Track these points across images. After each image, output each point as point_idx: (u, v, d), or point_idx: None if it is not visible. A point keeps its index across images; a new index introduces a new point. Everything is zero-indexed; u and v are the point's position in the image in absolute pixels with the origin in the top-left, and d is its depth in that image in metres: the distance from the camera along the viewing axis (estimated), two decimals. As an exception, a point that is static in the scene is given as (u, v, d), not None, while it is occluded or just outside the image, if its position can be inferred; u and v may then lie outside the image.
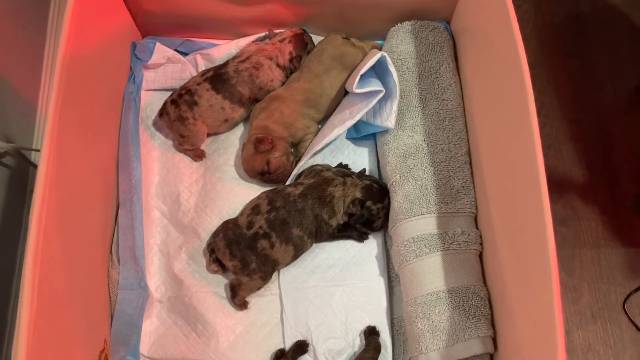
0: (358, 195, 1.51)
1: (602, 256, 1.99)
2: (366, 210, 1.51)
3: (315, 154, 1.59)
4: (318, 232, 1.53)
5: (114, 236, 1.56)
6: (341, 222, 1.53)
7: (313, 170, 1.58)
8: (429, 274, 1.40)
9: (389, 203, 1.54)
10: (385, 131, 1.58)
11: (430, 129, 1.55)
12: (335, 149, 1.68)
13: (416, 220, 1.46)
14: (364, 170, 1.63)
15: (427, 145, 1.53)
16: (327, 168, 1.59)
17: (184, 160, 1.69)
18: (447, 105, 1.57)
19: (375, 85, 1.52)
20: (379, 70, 1.56)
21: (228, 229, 1.51)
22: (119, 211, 1.57)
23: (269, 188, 1.61)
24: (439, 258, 1.42)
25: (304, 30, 1.70)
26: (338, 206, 1.52)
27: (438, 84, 1.59)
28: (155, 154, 1.69)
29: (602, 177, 2.06)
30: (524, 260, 1.18)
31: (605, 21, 2.30)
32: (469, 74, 1.57)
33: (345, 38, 1.67)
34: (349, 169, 1.65)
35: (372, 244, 1.58)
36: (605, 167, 2.07)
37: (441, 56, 1.62)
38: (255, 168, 1.58)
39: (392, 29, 1.68)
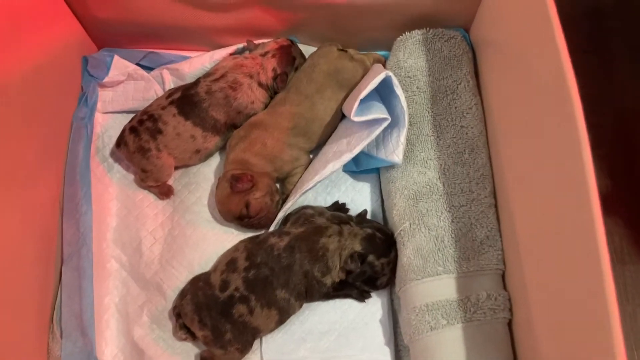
0: (358, 248, 1.22)
1: (627, 274, 1.71)
2: (368, 266, 1.22)
3: (305, 192, 1.30)
4: (309, 292, 1.24)
5: (55, 301, 1.26)
6: (337, 280, 1.25)
7: (302, 215, 1.29)
8: (448, 352, 1.12)
9: (396, 256, 1.25)
10: (391, 166, 1.29)
11: (446, 163, 1.26)
12: (330, 183, 1.39)
13: (430, 282, 1.17)
14: (365, 212, 1.34)
15: (443, 185, 1.24)
16: (320, 212, 1.29)
17: (147, 198, 1.40)
18: (466, 133, 1.28)
19: (378, 111, 1.22)
20: (384, 91, 1.27)
21: (198, 288, 1.23)
22: (63, 268, 1.28)
23: (249, 234, 1.32)
24: (459, 331, 1.13)
25: (291, 41, 1.40)
26: (333, 261, 1.23)
27: (456, 107, 1.30)
28: (113, 191, 1.41)
29: (626, 186, 1.77)
30: (572, 336, 0.89)
31: (628, 14, 1.99)
32: (494, 95, 1.27)
33: (342, 50, 1.38)
34: (347, 209, 1.36)
35: (375, 305, 1.29)
36: (629, 175, 1.78)
37: (459, 72, 1.33)
38: (232, 211, 1.29)
39: (398, 39, 1.39)
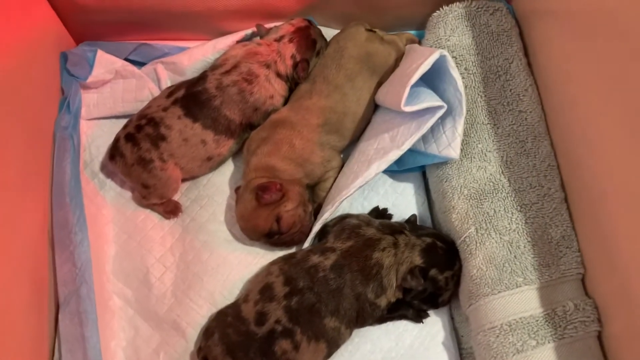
0: (418, 261, 1.03)
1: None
2: (430, 282, 1.03)
3: (344, 200, 1.10)
4: (360, 318, 1.05)
5: (53, 356, 1.03)
6: (393, 299, 1.05)
7: (346, 227, 1.08)
8: (541, 379, 0.94)
9: (460, 268, 1.06)
10: (443, 162, 1.10)
11: (508, 155, 1.08)
12: (367, 187, 1.19)
13: (510, 296, 0.99)
14: (415, 218, 1.15)
15: (509, 180, 1.06)
16: (367, 221, 1.09)
17: (150, 218, 1.18)
18: (525, 119, 1.11)
19: (430, 99, 1.03)
20: (428, 75, 1.07)
21: (227, 325, 1.02)
22: (60, 315, 1.04)
23: (279, 253, 1.12)
24: (550, 352, 0.96)
25: (309, 21, 1.19)
26: (389, 279, 1.03)
27: (511, 90, 1.12)
28: (108, 213, 1.18)
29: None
30: None
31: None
32: (557, 72, 1.09)
33: (370, 30, 1.18)
34: (390, 215, 1.17)
35: (435, 325, 1.11)
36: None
37: (510, 49, 1.15)
38: (259, 228, 1.08)
39: (434, 14, 1.20)
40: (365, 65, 1.15)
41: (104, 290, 1.11)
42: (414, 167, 1.18)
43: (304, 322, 1.00)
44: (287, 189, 1.08)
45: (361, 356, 1.09)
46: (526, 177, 1.06)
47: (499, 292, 0.99)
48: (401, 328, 1.10)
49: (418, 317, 1.10)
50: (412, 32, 1.27)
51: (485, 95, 1.12)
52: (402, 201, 1.19)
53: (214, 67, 1.15)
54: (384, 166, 1.07)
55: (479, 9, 1.17)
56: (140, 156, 1.10)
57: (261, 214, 1.07)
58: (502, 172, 1.07)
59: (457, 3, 1.18)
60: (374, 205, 1.18)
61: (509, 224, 1.03)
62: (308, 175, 1.13)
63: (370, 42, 1.16)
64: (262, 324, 1.00)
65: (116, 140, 1.13)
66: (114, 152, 1.13)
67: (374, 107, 1.17)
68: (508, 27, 1.17)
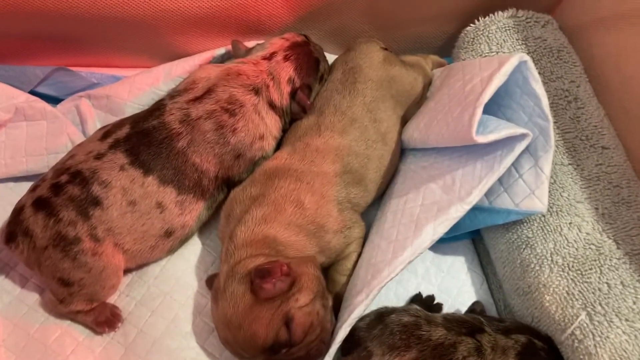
0: (515, 374, 0.66)
1: None
2: (535, 404, 0.66)
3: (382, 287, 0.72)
4: None
5: None
6: None
7: (397, 328, 0.70)
8: None
9: (570, 378, 0.70)
10: (517, 222, 0.77)
11: (604, 206, 0.76)
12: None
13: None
14: (482, 307, 0.79)
15: (615, 241, 0.74)
16: (425, 317, 0.72)
17: (71, 335, 0.75)
18: (612, 158, 0.81)
19: (507, 126, 0.71)
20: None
21: None
22: None
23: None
24: None
25: (305, 37, 0.85)
26: (474, 407, 0.65)
27: (586, 121, 0.84)
28: (0, 331, 0.72)
29: None
30: None
31: None
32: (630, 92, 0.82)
33: (384, 49, 0.86)
34: (439, 305, 0.80)
35: None
36: None
37: (574, 71, 0.88)
38: (259, 339, 0.67)
39: (469, 28, 0.91)
40: (388, 93, 0.82)
41: None
42: (461, 234, 0.83)
43: None
44: (297, 272, 0.69)
45: None
46: (636, 235, 0.75)
47: (649, 411, 0.64)
48: None
49: None
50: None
51: (557, 128, 0.82)
52: (452, 283, 0.83)
53: (174, 93, 0.77)
54: (443, 229, 0.71)
55: (529, 20, 0.89)
56: (59, 233, 0.69)
57: (261, 315, 0.67)
58: (603, 230, 0.75)
59: (499, 12, 0.89)
60: (412, 292, 0.81)
61: (634, 303, 0.70)
62: (323, 251, 0.75)
63: (390, 64, 0.84)
64: None
65: (17, 211, 0.71)
66: (14, 229, 0.70)
67: (400, 148, 0.84)
68: (565, 44, 0.89)
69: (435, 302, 0.80)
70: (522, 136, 0.71)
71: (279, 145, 0.82)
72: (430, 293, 0.81)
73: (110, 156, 0.72)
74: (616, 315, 0.70)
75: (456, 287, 0.82)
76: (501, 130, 0.69)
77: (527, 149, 0.75)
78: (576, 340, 0.70)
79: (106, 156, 0.72)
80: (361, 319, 0.74)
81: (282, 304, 0.68)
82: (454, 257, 0.85)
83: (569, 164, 0.80)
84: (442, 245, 0.85)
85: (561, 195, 0.78)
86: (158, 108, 0.75)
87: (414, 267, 0.83)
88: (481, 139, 0.68)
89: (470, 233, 0.86)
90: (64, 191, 0.70)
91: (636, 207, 0.78)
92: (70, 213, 0.69)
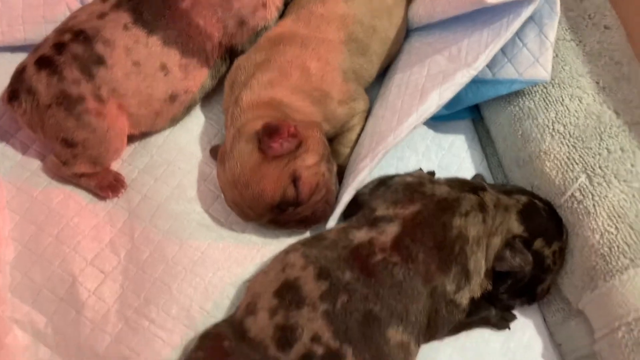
0: (516, 228, 0.68)
1: None
2: (535, 258, 0.68)
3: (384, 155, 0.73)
4: (431, 327, 0.66)
5: None
6: (478, 294, 0.69)
7: (400, 186, 0.71)
8: None
9: (568, 239, 0.72)
10: (518, 94, 0.78)
11: (605, 80, 0.77)
12: (401, 143, 0.81)
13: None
14: (482, 178, 0.80)
15: (615, 112, 0.75)
16: (429, 178, 0.73)
17: (75, 198, 0.75)
18: (613, 37, 0.82)
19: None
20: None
21: (223, 354, 0.60)
22: None
23: (287, 241, 0.73)
24: None
25: None
26: (476, 260, 0.67)
27: (589, 0, 0.83)
28: (4, 194, 0.72)
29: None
30: None
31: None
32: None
33: None
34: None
35: (525, 331, 0.76)
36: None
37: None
38: (267, 196, 0.68)
39: None
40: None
41: (-2, 319, 0.65)
42: (461, 113, 0.84)
43: (357, 338, 0.61)
44: (304, 134, 0.69)
45: (429, 389, 0.70)
46: (636, 107, 0.76)
47: (644, 263, 0.66)
48: (478, 340, 0.73)
49: (503, 320, 0.74)
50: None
51: (561, 6, 0.82)
52: (452, 160, 0.84)
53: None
54: (449, 94, 0.72)
55: None
56: (63, 91, 0.68)
57: (268, 173, 0.67)
58: (604, 101, 0.76)
59: None
60: (412, 169, 0.82)
61: (632, 166, 0.71)
62: (328, 120, 0.75)
63: None
64: (290, 345, 0.60)
65: (20, 71, 0.70)
66: (17, 87, 0.70)
67: (406, 22, 0.84)
68: None
69: (436, 177, 0.82)
70: (529, 0, 0.71)
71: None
72: (430, 170, 0.82)
73: (113, 15, 0.70)
74: (615, 177, 0.71)
75: (456, 164, 0.83)
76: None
77: (532, 17, 0.75)
78: (575, 202, 0.72)
79: (109, 15, 0.70)
80: (364, 186, 0.75)
81: (290, 163, 0.68)
82: (455, 136, 0.85)
83: (571, 39, 0.81)
84: (443, 124, 0.85)
85: (563, 69, 0.79)
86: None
87: (415, 145, 0.84)
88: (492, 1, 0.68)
89: (471, 113, 0.86)
90: (67, 49, 0.69)
91: (636, 82, 0.79)
92: (74, 71, 0.68)
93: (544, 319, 0.77)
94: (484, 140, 0.87)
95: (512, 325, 0.75)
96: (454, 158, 0.84)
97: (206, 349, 0.62)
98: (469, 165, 0.84)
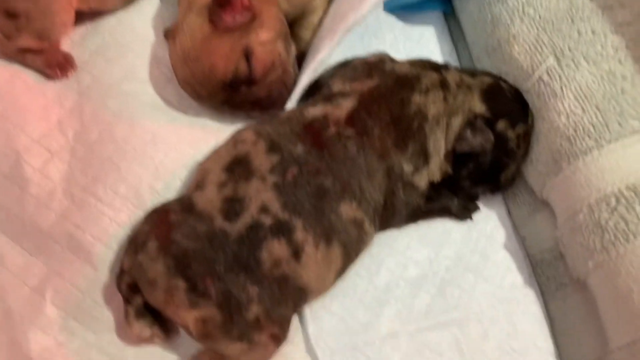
0: (479, 107, 0.66)
1: None
2: (498, 140, 0.66)
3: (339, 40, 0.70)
4: (388, 208, 0.64)
5: None
6: (438, 178, 0.67)
7: (359, 65, 0.68)
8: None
9: (534, 125, 0.70)
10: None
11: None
12: (367, 33, 0.80)
13: (627, 148, 0.64)
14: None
15: (589, -6, 0.72)
16: (392, 58, 0.70)
17: (20, 77, 0.72)
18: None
19: None
20: None
21: (171, 225, 0.58)
22: None
23: (241, 123, 0.70)
24: None
25: None
26: (435, 139, 0.65)
27: None
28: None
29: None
30: None
31: None
32: None
33: None
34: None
35: (487, 222, 0.74)
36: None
37: None
38: (218, 71, 0.66)
39: None
40: None
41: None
42: (432, 3, 0.80)
43: (308, 210, 0.58)
44: (258, 8, 0.66)
45: (387, 274, 0.68)
46: (610, -8, 0.72)
47: (608, 142, 0.64)
48: (439, 229, 0.71)
49: (465, 210, 0.72)
50: None
51: None
52: (420, 51, 0.80)
53: None
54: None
55: None
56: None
57: (220, 47, 0.64)
58: (577, -16, 0.73)
59: None
60: (380, 57, 0.79)
61: (602, 49, 0.68)
62: (287, -1, 0.72)
63: None
64: (237, 215, 0.58)
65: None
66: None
67: None
68: None
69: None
70: None
71: None
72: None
73: None
74: (584, 58, 0.68)
75: (424, 55, 0.80)
76: None
77: None
78: (543, 84, 0.69)
79: None
80: (325, 70, 0.72)
81: (243, 37, 0.65)
82: (424, 27, 0.82)
83: None
84: (413, 15, 0.82)
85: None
86: None
87: (383, 36, 0.80)
88: None
89: (442, 4, 0.83)
90: None
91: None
92: None
93: (509, 212, 0.76)
94: (455, 34, 0.84)
95: (475, 216, 0.72)
96: (422, 49, 0.80)
97: (152, 222, 0.60)
98: (438, 57, 0.80)
